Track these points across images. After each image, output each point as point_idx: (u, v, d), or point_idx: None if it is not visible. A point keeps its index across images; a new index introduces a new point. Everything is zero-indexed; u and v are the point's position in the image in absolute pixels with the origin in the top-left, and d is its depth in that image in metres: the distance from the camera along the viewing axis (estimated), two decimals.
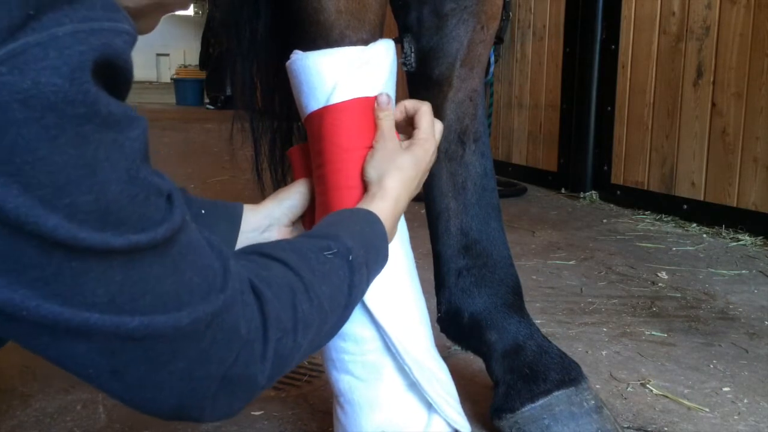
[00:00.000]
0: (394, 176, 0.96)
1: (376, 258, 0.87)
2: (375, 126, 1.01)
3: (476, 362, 1.52)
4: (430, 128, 1.01)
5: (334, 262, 0.79)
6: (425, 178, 1.03)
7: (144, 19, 0.75)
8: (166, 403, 0.63)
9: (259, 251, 0.76)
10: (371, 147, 1.00)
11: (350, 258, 0.81)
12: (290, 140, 1.32)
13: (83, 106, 0.49)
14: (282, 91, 1.25)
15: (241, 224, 1.06)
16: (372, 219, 0.90)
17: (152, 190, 0.56)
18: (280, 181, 1.33)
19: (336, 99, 1.01)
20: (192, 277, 0.60)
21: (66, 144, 0.49)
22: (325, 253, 0.79)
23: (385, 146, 0.99)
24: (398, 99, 1.08)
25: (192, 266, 0.60)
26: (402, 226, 1.09)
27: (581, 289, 2.28)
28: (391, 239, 0.93)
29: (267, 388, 0.71)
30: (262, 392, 0.71)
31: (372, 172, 0.98)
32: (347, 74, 1.01)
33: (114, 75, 0.53)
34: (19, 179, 0.48)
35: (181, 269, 0.59)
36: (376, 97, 1.02)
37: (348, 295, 0.80)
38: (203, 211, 1.06)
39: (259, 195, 1.24)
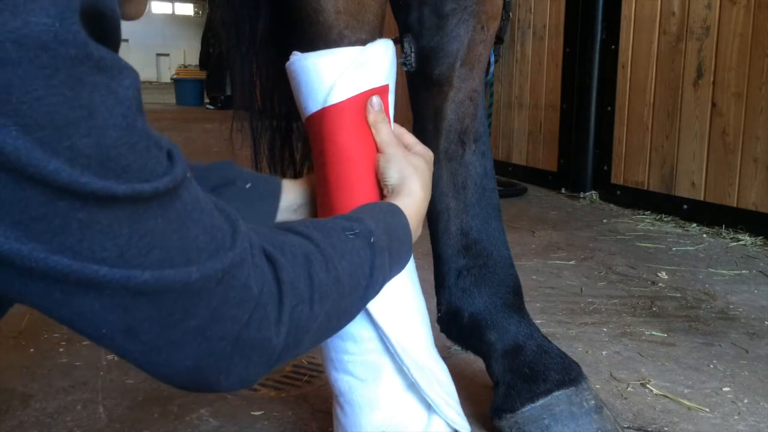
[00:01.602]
0: (416, 178, 0.96)
1: (400, 248, 0.86)
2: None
3: (476, 362, 1.52)
4: (418, 143, 1.04)
5: (355, 242, 0.78)
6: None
7: (132, 2, 0.75)
8: (183, 365, 0.62)
9: (281, 226, 0.77)
10: (374, 149, 1.00)
11: (372, 240, 0.80)
12: (290, 140, 1.32)
13: (74, 47, 0.49)
14: (282, 91, 1.25)
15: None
16: (396, 211, 0.90)
17: (151, 142, 0.56)
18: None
19: (334, 100, 1.01)
20: (198, 234, 0.60)
21: (61, 84, 0.49)
22: (347, 232, 0.78)
23: (396, 151, 0.99)
24: (398, 99, 1.08)
25: (198, 224, 0.60)
26: None
27: (581, 289, 2.28)
28: (414, 240, 0.93)
29: (285, 360, 0.71)
30: (280, 364, 0.71)
31: (394, 175, 0.97)
32: (345, 75, 1.01)
33: (101, 24, 0.53)
34: (17, 120, 0.47)
35: (186, 225, 0.59)
36: (369, 99, 1.01)
37: (369, 276, 0.79)
38: (248, 185, 1.08)
39: None
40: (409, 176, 0.96)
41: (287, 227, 0.76)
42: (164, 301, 0.58)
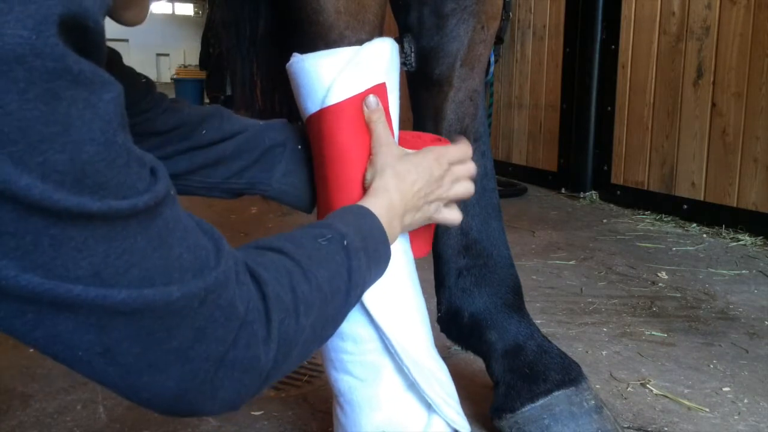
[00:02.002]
0: (386, 174, 0.94)
1: (377, 248, 0.85)
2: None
3: (476, 362, 1.52)
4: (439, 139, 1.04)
5: (329, 248, 0.77)
6: (444, 190, 0.99)
7: (132, 9, 0.74)
8: (165, 389, 0.60)
9: (251, 245, 0.75)
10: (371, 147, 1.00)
11: (345, 243, 0.79)
12: None
13: (51, 60, 0.47)
14: (282, 91, 1.25)
15: None
16: (365, 212, 0.88)
17: (132, 158, 0.54)
18: None
19: (333, 100, 1.01)
20: (181, 253, 0.58)
21: (36, 99, 0.47)
22: (319, 240, 0.77)
23: (380, 150, 0.98)
24: (400, 99, 1.08)
25: (181, 243, 0.58)
26: None
27: (581, 289, 2.28)
28: (393, 240, 0.91)
29: (274, 379, 0.69)
30: (269, 383, 0.69)
31: (368, 176, 0.97)
32: (343, 75, 1.01)
33: (83, 36, 0.52)
34: None
35: (168, 244, 0.57)
36: (366, 97, 1.01)
37: (348, 279, 0.78)
38: (299, 147, 1.10)
39: (259, 195, 1.24)
40: (382, 174, 0.95)
41: (258, 244, 0.75)
42: (144, 321, 0.56)
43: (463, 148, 1.03)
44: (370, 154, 1.00)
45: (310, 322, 0.71)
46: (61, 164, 0.49)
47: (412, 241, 1.09)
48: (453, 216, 1.02)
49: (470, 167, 1.04)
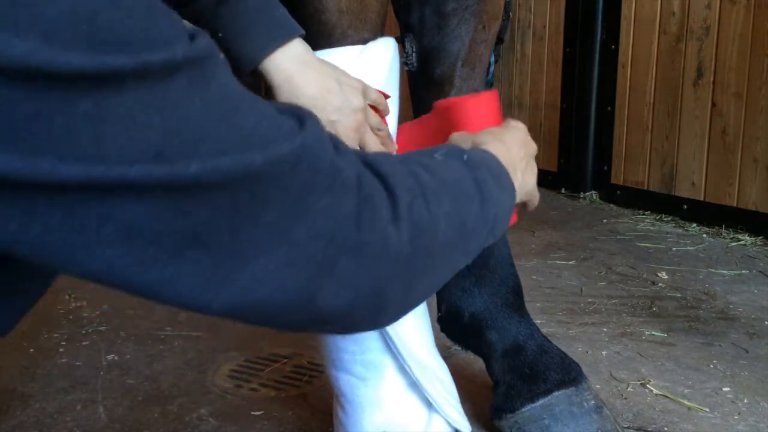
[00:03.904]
0: (485, 133, 0.81)
1: (498, 176, 0.70)
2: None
3: (476, 362, 1.52)
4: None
5: (447, 161, 0.65)
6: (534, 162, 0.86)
7: None
8: (273, 278, 0.48)
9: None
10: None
11: (465, 158, 0.66)
12: None
13: None
14: None
15: None
16: (484, 152, 0.73)
17: (157, 8, 0.45)
18: None
19: None
20: (258, 121, 0.48)
21: None
22: (434, 155, 0.65)
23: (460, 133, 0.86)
24: (400, 99, 1.08)
25: (253, 110, 0.48)
26: None
27: (581, 289, 2.28)
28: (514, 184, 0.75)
29: (418, 279, 0.56)
30: (414, 286, 0.56)
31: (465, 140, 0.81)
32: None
33: None
34: None
35: (237, 110, 0.47)
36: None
37: (477, 189, 0.64)
38: None
39: None
40: (480, 134, 0.82)
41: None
42: (227, 193, 0.46)
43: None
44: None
45: (444, 213, 0.59)
46: (62, 18, 0.39)
47: None
48: (537, 197, 0.89)
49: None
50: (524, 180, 0.80)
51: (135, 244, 0.44)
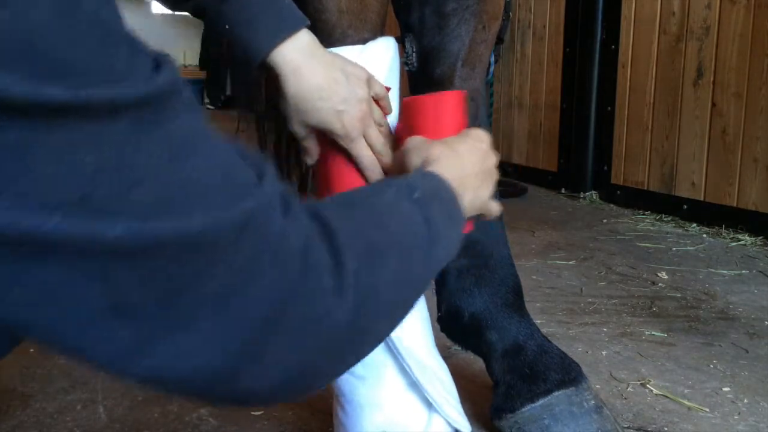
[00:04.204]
0: (438, 146, 0.80)
1: (447, 208, 0.69)
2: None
3: (476, 362, 1.52)
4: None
5: (396, 198, 0.62)
6: (493, 176, 0.87)
7: None
8: (195, 354, 0.44)
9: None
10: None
11: (415, 196, 0.64)
12: (295, 140, 1.32)
13: None
14: None
15: None
16: (433, 176, 0.72)
17: (114, 35, 0.39)
18: (286, 180, 1.33)
19: None
20: (204, 171, 0.43)
21: None
22: (384, 189, 0.63)
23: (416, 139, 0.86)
24: (400, 99, 1.08)
25: (207, 159, 0.43)
26: None
27: (581, 289, 2.28)
28: (468, 212, 0.75)
29: (358, 351, 0.53)
30: (353, 359, 0.53)
31: (414, 160, 0.81)
32: None
33: None
34: None
35: (182, 157, 0.42)
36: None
37: (427, 234, 0.62)
38: None
39: None
40: (434, 145, 0.81)
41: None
42: (158, 262, 0.41)
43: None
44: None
45: (391, 277, 0.56)
46: None
47: None
48: (497, 208, 0.90)
49: None
50: (477, 195, 0.80)
51: (48, 310, 0.40)
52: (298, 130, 0.96)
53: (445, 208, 0.68)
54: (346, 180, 1.00)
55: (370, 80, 0.96)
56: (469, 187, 0.77)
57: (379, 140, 0.96)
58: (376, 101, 0.98)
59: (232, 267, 0.44)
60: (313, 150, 1.00)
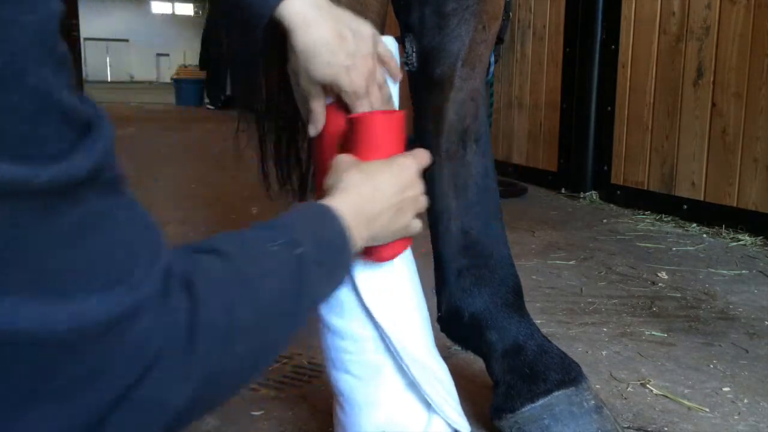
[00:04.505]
0: (352, 171, 0.84)
1: (334, 258, 0.73)
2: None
3: (476, 362, 1.52)
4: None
5: (279, 256, 0.66)
6: (417, 200, 0.91)
7: None
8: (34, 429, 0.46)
9: (192, 246, 0.62)
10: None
11: (299, 252, 0.67)
12: (295, 140, 1.32)
13: None
14: (287, 91, 1.25)
15: None
16: (327, 213, 0.75)
17: (34, 99, 0.37)
18: (286, 181, 1.33)
19: (334, 97, 1.01)
20: (96, 260, 0.43)
21: None
22: (269, 244, 0.66)
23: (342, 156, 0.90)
24: (400, 98, 1.08)
25: (101, 244, 0.43)
26: None
27: (581, 289, 2.28)
28: (356, 246, 0.79)
29: (188, 422, 0.56)
30: (181, 428, 0.56)
31: (329, 180, 0.86)
32: None
33: None
34: None
35: (80, 245, 0.42)
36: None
37: (297, 296, 0.66)
38: None
39: (263, 194, 1.24)
40: (347, 171, 0.86)
41: (201, 247, 0.62)
42: (13, 353, 0.41)
43: (426, 157, 0.95)
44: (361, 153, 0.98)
45: (248, 348, 0.60)
46: None
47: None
48: (419, 225, 0.94)
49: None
50: (388, 226, 0.84)
51: None
52: (306, 86, 0.96)
53: (330, 260, 0.72)
54: None
55: (374, 36, 0.96)
56: (378, 220, 0.82)
57: (379, 102, 0.96)
58: (382, 63, 0.98)
59: (86, 364, 0.45)
60: (319, 114, 0.98)
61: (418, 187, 0.90)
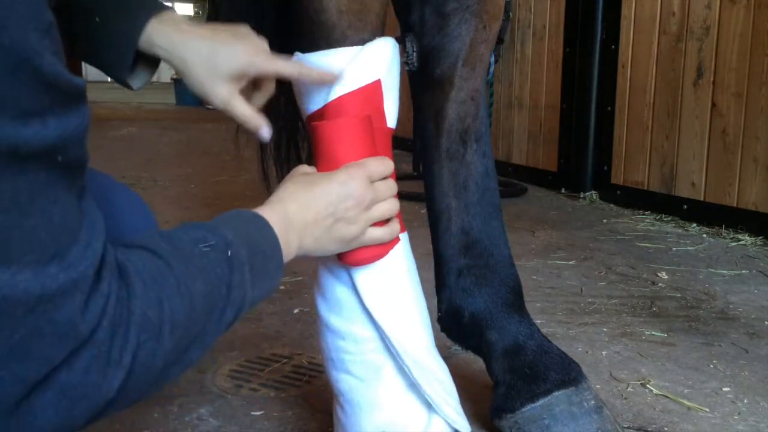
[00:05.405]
0: (286, 185, 0.87)
1: (264, 264, 0.75)
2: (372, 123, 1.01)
3: (476, 362, 1.52)
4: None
5: (210, 257, 0.67)
6: (367, 210, 0.91)
7: None
8: None
9: (125, 242, 0.64)
10: (370, 147, 1.00)
11: (229, 253, 0.69)
12: (295, 139, 1.32)
13: None
14: (287, 91, 1.25)
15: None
16: (258, 220, 0.78)
17: (9, 59, 0.39)
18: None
19: (333, 97, 1.01)
20: (35, 228, 0.45)
21: None
22: (201, 245, 0.67)
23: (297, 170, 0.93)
24: (400, 98, 1.08)
25: (41, 214, 0.45)
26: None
27: (581, 289, 2.28)
28: (288, 256, 0.81)
29: (116, 410, 0.57)
30: (108, 414, 0.57)
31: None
32: (345, 74, 1.01)
33: None
34: None
35: (21, 211, 0.43)
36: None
37: (226, 296, 0.68)
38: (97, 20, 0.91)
39: (264, 194, 1.24)
40: (283, 185, 0.88)
41: (133, 242, 0.64)
42: None
43: (385, 163, 0.96)
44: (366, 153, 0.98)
45: (175, 344, 0.61)
46: None
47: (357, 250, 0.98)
48: (381, 234, 0.95)
49: (392, 185, 0.96)
50: (326, 235, 0.86)
51: None
52: (219, 91, 0.94)
53: (260, 266, 0.73)
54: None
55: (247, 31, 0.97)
56: (309, 229, 0.84)
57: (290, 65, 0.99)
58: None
59: (12, 339, 0.46)
60: (248, 112, 0.97)
61: (367, 196, 0.90)
